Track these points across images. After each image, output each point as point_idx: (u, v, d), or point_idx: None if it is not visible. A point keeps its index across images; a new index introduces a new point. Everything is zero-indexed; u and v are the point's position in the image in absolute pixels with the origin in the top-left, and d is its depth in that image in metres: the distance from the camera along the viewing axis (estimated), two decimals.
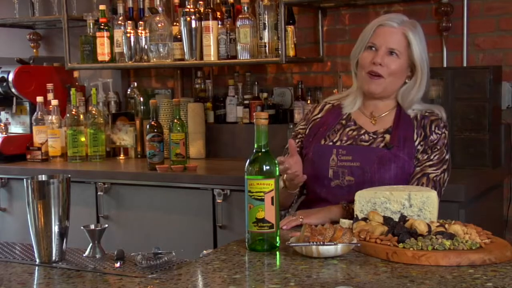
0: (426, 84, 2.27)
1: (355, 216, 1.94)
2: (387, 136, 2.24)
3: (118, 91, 4.37)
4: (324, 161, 2.23)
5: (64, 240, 1.79)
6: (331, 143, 2.27)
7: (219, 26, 3.69)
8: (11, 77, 4.01)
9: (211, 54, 3.67)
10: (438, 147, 2.22)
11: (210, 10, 3.71)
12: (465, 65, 3.42)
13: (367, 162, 2.19)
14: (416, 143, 2.22)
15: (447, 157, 2.23)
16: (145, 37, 3.86)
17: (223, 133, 3.95)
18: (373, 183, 2.12)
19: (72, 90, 3.95)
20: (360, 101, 2.32)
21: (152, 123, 3.55)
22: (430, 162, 2.20)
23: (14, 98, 4.09)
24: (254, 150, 1.82)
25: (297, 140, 2.37)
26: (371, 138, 2.25)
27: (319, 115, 2.37)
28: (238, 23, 3.58)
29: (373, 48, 2.24)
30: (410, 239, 1.69)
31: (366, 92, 2.28)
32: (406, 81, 2.28)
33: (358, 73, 2.31)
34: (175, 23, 3.82)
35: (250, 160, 1.81)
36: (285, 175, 2.09)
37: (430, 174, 2.18)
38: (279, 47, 3.48)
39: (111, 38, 3.98)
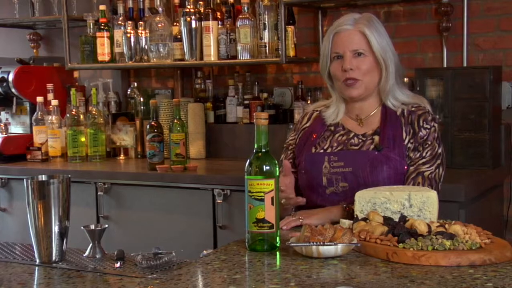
0: (397, 72, 2.25)
1: (355, 216, 1.94)
2: (376, 138, 2.22)
3: (118, 91, 4.37)
4: (317, 170, 2.22)
5: (64, 240, 1.79)
6: (322, 151, 2.25)
7: (219, 26, 3.69)
8: (11, 77, 4.01)
9: (211, 54, 3.67)
10: (429, 142, 2.19)
11: (210, 10, 3.72)
12: (465, 65, 3.43)
13: (359, 167, 2.18)
14: (406, 141, 2.20)
15: (439, 150, 2.20)
16: (145, 37, 3.87)
17: (223, 133, 3.94)
18: (367, 186, 2.09)
19: (72, 90, 3.95)
20: (342, 110, 2.31)
21: (152, 123, 3.55)
22: (423, 160, 2.18)
23: (14, 98, 4.09)
24: (254, 150, 1.82)
25: (289, 152, 2.36)
26: (360, 141, 2.24)
27: (307, 124, 2.37)
28: (238, 23, 3.58)
29: (339, 57, 2.23)
30: (410, 239, 1.69)
31: (348, 98, 2.28)
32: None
33: (334, 84, 2.29)
34: (175, 23, 3.82)
35: (250, 160, 1.81)
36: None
37: (425, 172, 2.17)
38: (279, 47, 3.48)
39: (111, 38, 3.98)
